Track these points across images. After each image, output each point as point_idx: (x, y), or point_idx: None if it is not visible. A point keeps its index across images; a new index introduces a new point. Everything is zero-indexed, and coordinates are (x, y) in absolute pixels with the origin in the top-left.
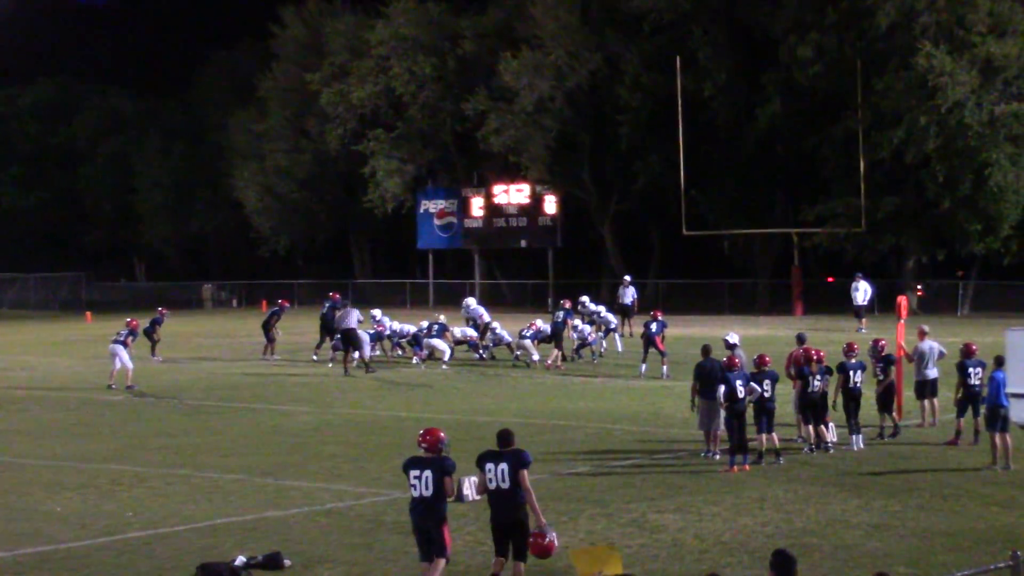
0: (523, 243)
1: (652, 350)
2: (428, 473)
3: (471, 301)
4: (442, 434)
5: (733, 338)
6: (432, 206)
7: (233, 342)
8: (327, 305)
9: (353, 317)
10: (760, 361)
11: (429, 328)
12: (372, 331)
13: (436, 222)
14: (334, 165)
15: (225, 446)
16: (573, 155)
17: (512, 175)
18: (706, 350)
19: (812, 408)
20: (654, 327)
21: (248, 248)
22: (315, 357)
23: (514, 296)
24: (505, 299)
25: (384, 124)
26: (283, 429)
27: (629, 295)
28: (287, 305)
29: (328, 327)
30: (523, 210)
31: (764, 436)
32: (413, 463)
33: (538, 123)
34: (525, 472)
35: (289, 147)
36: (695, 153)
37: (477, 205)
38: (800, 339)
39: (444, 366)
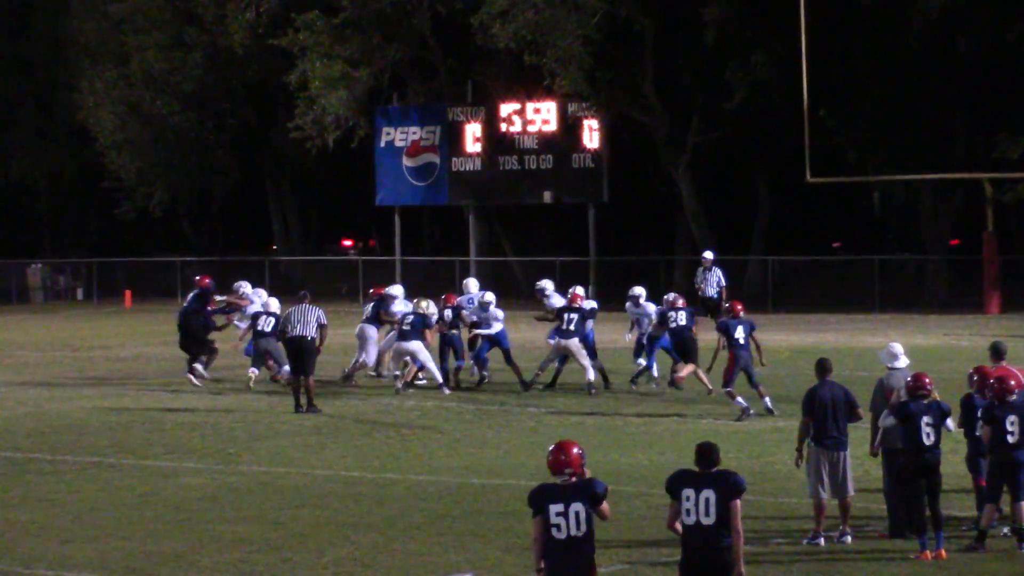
0: (548, 197)
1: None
2: (578, 506)
3: (473, 285)
4: (577, 448)
5: (897, 354)
6: (399, 137)
7: (78, 356)
8: (190, 296)
9: (312, 318)
10: (916, 386)
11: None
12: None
13: (407, 163)
14: (241, 71)
15: (67, 527)
16: (628, 53)
17: (529, 86)
18: (823, 368)
19: (1011, 469)
20: (739, 332)
21: (101, 206)
22: (196, 378)
23: (531, 282)
24: (517, 285)
25: (322, 3)
26: (160, 498)
27: (713, 282)
28: (210, 285)
29: (192, 331)
30: (548, 143)
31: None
32: (550, 495)
33: (572, 1)
34: (738, 504)
35: (168, 41)
36: (826, 52)
37: (473, 136)
38: (997, 352)
39: (446, 390)
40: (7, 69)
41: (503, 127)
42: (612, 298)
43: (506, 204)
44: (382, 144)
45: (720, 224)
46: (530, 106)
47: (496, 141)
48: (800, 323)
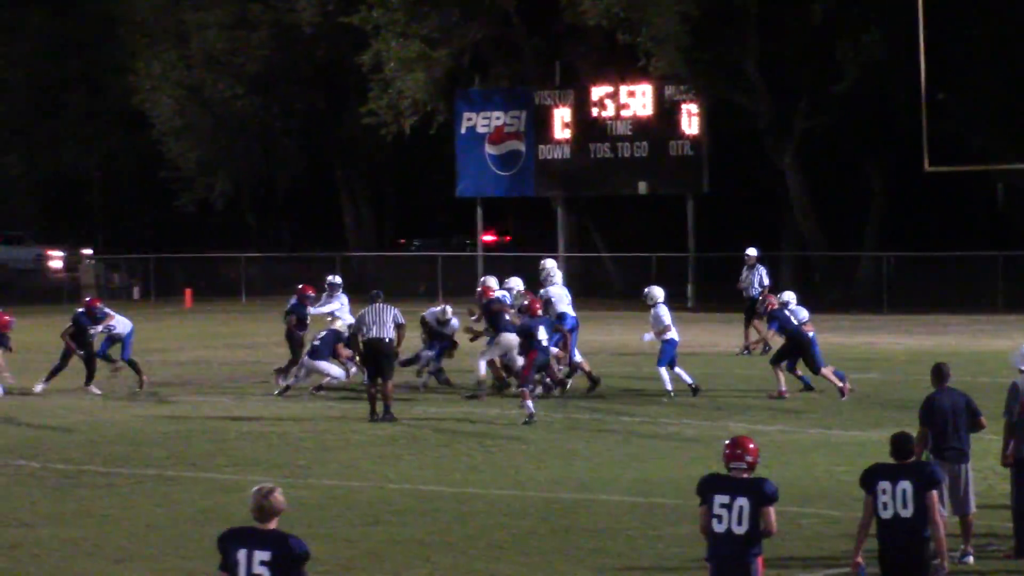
0: (642, 188)
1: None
2: (743, 501)
3: (517, 284)
4: (753, 443)
5: None
6: (481, 122)
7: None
8: (291, 303)
9: (388, 318)
10: None
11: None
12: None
13: (489, 150)
14: (309, 51)
15: (122, 545)
16: (730, 32)
17: (623, 68)
18: (941, 373)
19: None
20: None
21: (158, 198)
22: (279, 388)
23: (626, 280)
24: (609, 283)
25: None
26: (222, 514)
27: (755, 281)
28: (311, 294)
29: (297, 340)
30: (642, 129)
31: None
32: (717, 484)
33: None
34: (935, 495)
35: (231, 19)
36: (944, 28)
37: (561, 121)
38: None
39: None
40: (54, 49)
41: (594, 112)
42: (712, 297)
43: (597, 195)
44: (463, 130)
45: (830, 217)
46: (623, 89)
47: (586, 127)
48: (917, 324)
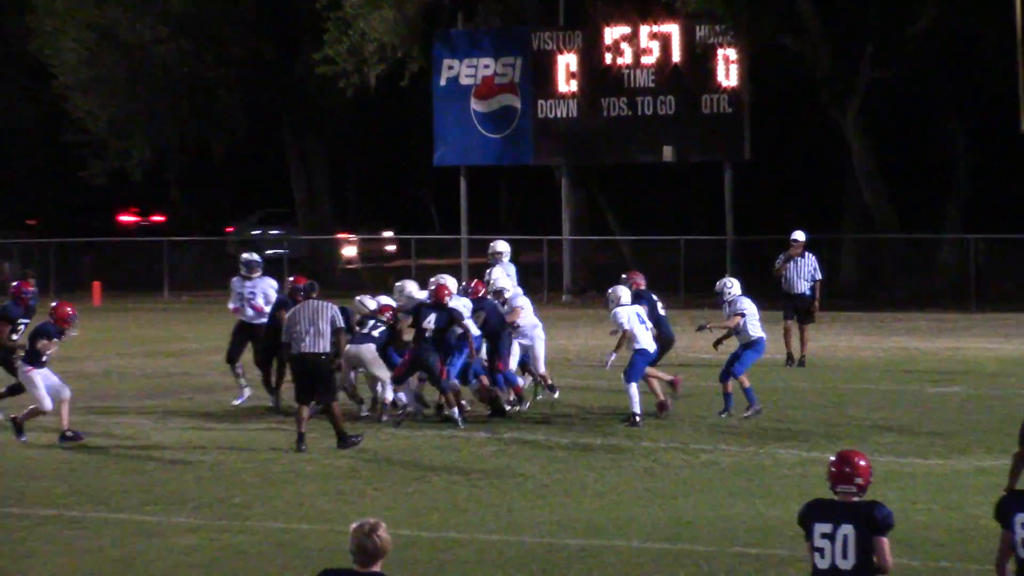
0: (668, 154)
1: None
2: (848, 530)
3: (410, 287)
4: (864, 460)
5: None
6: (466, 72)
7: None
8: (278, 298)
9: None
10: None
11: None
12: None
13: (476, 107)
14: None
15: None
16: None
17: (644, 4)
18: None
19: None
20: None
21: (61, 167)
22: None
23: (648, 269)
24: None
25: None
26: (139, 564)
27: (806, 273)
28: (303, 285)
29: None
30: (669, 81)
31: None
32: (820, 511)
33: None
34: None
35: None
36: None
37: (566, 71)
38: None
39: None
40: None
41: (608, 59)
42: (755, 290)
43: (611, 164)
44: (442, 82)
45: (903, 191)
46: (644, 30)
47: (598, 78)
48: (1011, 325)
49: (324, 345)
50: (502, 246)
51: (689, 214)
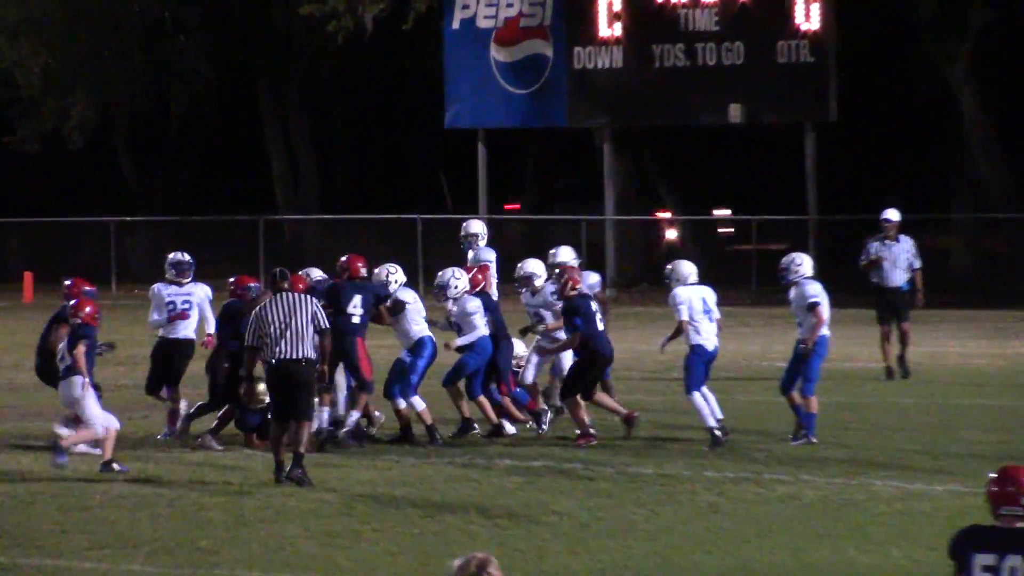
0: (735, 113)
1: None
2: (1016, 561)
3: (567, 253)
4: None
5: None
6: (484, 13)
7: None
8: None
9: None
10: None
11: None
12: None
13: (497, 56)
14: None
15: None
16: None
17: None
18: None
19: None
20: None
21: None
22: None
23: (712, 255)
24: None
25: None
26: None
27: (903, 261)
28: (253, 286)
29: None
30: (735, 24)
31: None
32: (980, 539)
33: None
34: None
35: None
36: None
37: (608, 10)
38: None
39: (542, 427)
40: None
41: None
42: (840, 281)
43: (666, 126)
44: (455, 25)
45: None
46: None
47: (648, 20)
48: None
49: (305, 350)
50: (477, 227)
51: (761, 188)
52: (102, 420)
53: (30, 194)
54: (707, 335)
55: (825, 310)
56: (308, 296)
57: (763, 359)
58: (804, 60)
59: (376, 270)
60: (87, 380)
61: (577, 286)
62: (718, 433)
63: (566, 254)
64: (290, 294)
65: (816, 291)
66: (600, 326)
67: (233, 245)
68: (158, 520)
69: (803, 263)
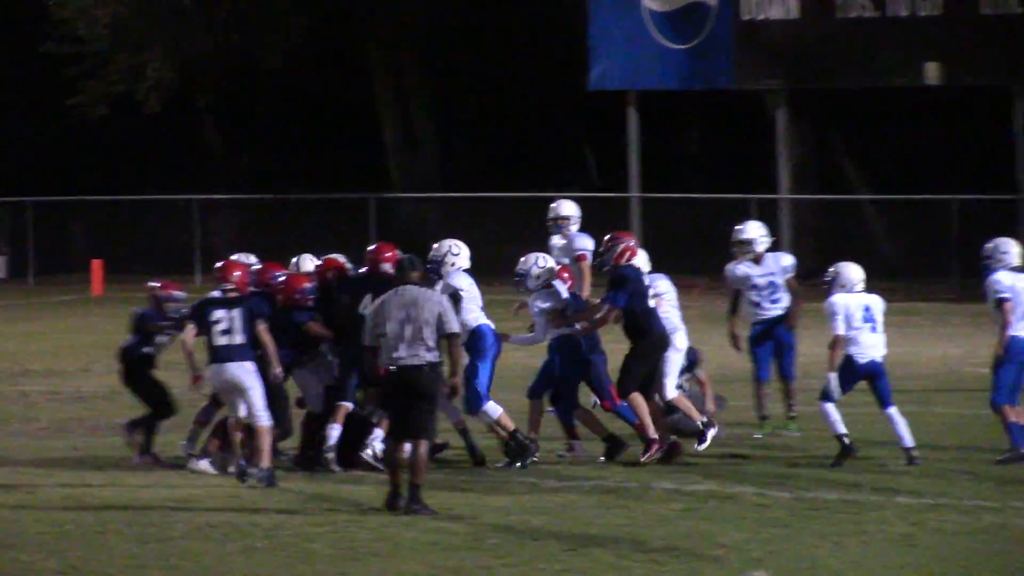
0: (932, 73)
1: None
2: None
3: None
4: None
5: None
6: None
7: None
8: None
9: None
10: None
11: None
12: None
13: (650, 4)
14: None
15: None
16: None
17: None
18: None
19: None
20: None
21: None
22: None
23: (904, 242)
24: (875, 248)
25: None
26: None
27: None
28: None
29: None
30: None
31: None
32: None
33: None
34: None
35: None
36: None
37: None
38: None
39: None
40: None
41: None
42: None
43: (850, 89)
44: None
45: None
46: None
47: None
48: None
49: (426, 354)
50: (569, 208)
51: (963, 161)
52: (267, 414)
53: (97, 168)
54: (865, 346)
55: (1020, 306)
56: (436, 293)
57: (967, 364)
58: (1012, 11)
59: (435, 245)
60: (278, 369)
61: (634, 258)
62: (847, 440)
63: (754, 230)
64: (414, 288)
65: (1008, 284)
66: (651, 304)
67: (338, 228)
68: (252, 554)
69: (1009, 250)
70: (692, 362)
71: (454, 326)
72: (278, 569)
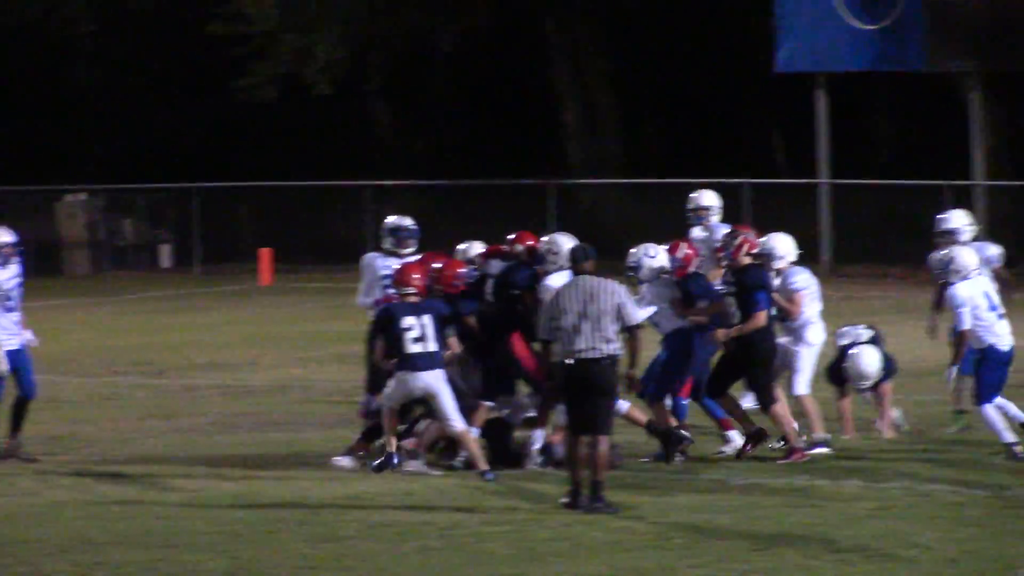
0: None
1: None
2: None
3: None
4: None
5: None
6: None
7: (161, 386)
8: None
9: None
10: None
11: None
12: None
13: None
14: None
15: None
16: None
17: None
18: None
19: None
20: None
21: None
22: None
23: None
24: None
25: None
26: None
27: None
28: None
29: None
30: None
31: None
32: None
33: None
34: None
35: None
36: None
37: None
38: None
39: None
40: None
41: None
42: None
43: None
44: None
45: None
46: None
47: None
48: None
49: (606, 346)
50: (710, 198)
51: None
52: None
53: (265, 153)
54: (1001, 332)
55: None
56: (614, 283)
57: None
58: None
59: (632, 250)
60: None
61: (754, 250)
62: (1018, 449)
63: (959, 219)
64: (591, 278)
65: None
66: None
67: (516, 215)
68: (428, 554)
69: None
70: (888, 371)
71: (635, 317)
72: (455, 570)
